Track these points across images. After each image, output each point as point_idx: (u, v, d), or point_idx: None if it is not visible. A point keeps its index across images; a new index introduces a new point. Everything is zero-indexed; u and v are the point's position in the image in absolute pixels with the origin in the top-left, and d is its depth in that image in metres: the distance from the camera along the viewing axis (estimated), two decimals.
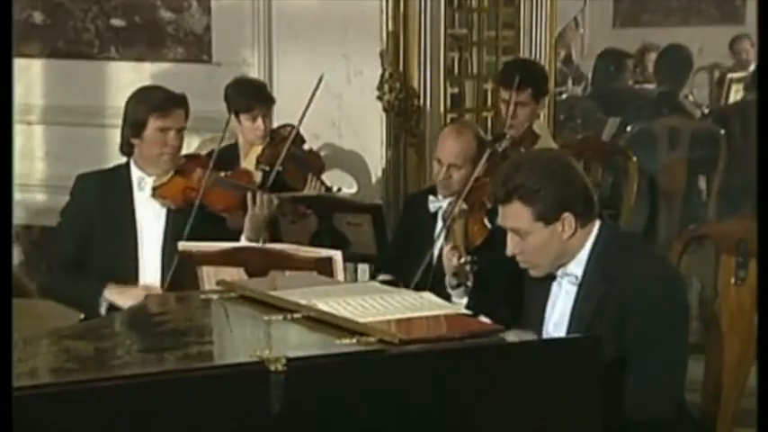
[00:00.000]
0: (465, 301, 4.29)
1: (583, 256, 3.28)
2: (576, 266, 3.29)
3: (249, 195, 4.40)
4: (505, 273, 4.42)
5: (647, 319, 3.14)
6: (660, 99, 7.78)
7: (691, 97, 8.00)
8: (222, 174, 4.49)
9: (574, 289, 3.29)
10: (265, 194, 4.44)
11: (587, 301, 3.24)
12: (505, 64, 5.68)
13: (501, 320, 4.27)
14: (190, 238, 4.05)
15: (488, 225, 4.38)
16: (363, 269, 5.25)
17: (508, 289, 4.45)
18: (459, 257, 4.22)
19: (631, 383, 3.13)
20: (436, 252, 4.40)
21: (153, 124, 4.28)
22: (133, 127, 4.33)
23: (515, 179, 3.24)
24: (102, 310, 4.21)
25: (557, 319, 3.32)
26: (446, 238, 4.41)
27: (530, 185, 3.22)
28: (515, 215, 3.26)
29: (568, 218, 3.24)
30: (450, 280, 4.26)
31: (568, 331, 3.26)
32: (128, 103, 4.41)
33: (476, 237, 4.38)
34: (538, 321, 3.36)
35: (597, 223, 3.30)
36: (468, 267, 4.21)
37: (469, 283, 4.23)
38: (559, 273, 3.32)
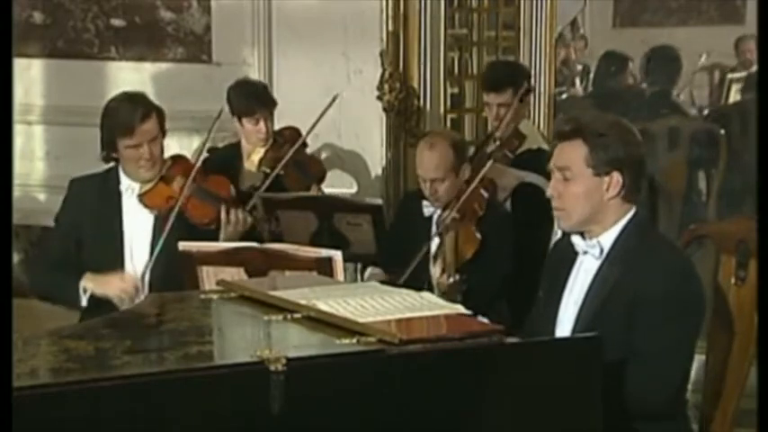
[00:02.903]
0: None
1: (614, 231, 3.28)
2: (606, 239, 3.28)
3: (223, 214, 4.38)
4: (500, 275, 4.46)
5: (655, 308, 3.15)
6: (653, 99, 7.78)
7: (682, 96, 7.98)
8: (205, 180, 4.46)
9: (594, 266, 3.29)
10: (240, 213, 4.41)
11: (605, 280, 3.25)
12: (486, 67, 5.67)
13: (499, 315, 4.33)
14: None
15: (479, 236, 4.40)
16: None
17: (504, 287, 4.48)
18: (449, 277, 4.24)
19: (632, 370, 3.13)
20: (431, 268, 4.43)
21: (121, 143, 4.28)
22: (106, 145, 4.34)
23: (585, 118, 3.29)
24: (84, 301, 4.21)
25: (576, 298, 3.32)
26: (436, 255, 4.42)
27: (596, 127, 3.25)
28: (570, 153, 3.26)
29: (617, 177, 3.24)
30: (437, 294, 4.28)
31: (582, 308, 3.27)
32: (101, 118, 4.38)
33: (466, 251, 4.40)
34: (556, 299, 3.36)
35: (634, 209, 3.31)
36: (456, 287, 4.24)
37: (459, 299, 4.25)
38: (584, 245, 3.31)
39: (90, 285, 4.20)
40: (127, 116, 4.28)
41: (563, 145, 3.29)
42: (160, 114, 4.32)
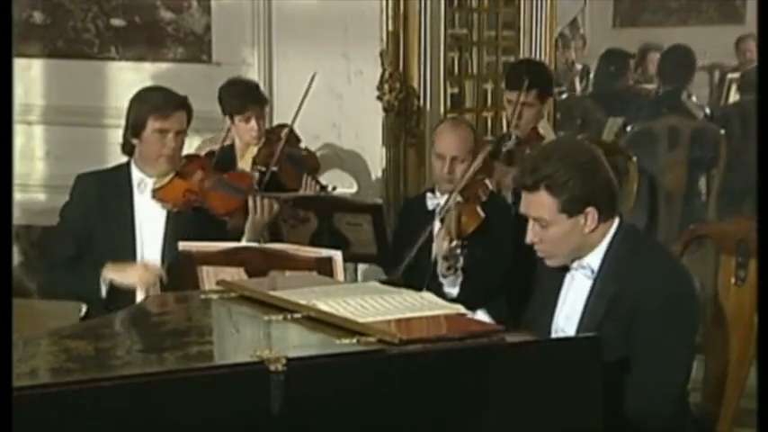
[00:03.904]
0: (456, 291, 4.32)
1: (601, 250, 3.27)
2: (594, 259, 3.28)
3: (250, 201, 4.41)
4: (502, 264, 4.47)
5: (655, 320, 3.14)
6: (662, 99, 7.76)
7: (694, 98, 7.97)
8: (223, 175, 4.50)
9: (588, 283, 3.28)
10: (266, 200, 4.44)
11: (600, 298, 3.24)
12: (512, 65, 5.66)
13: (498, 312, 4.33)
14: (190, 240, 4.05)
15: (481, 214, 4.42)
16: (363, 269, 5.25)
17: (506, 280, 4.49)
18: (450, 240, 4.26)
19: (633, 381, 3.13)
20: (433, 249, 4.42)
21: (151, 125, 4.28)
22: (133, 127, 4.34)
23: (544, 169, 3.23)
24: (103, 292, 4.20)
25: (568, 312, 3.31)
26: (440, 230, 4.45)
27: (558, 176, 3.21)
28: (540, 204, 3.24)
29: (592, 212, 3.23)
30: (440, 266, 4.29)
31: (580, 326, 3.26)
32: (130, 102, 4.42)
33: (468, 224, 4.41)
34: (549, 313, 3.36)
35: (617, 220, 3.30)
36: (458, 251, 4.25)
37: (459, 265, 4.26)
38: (575, 265, 3.31)
39: (112, 275, 4.20)
40: (163, 100, 4.33)
41: (530, 197, 3.27)
42: (190, 112, 4.37)
